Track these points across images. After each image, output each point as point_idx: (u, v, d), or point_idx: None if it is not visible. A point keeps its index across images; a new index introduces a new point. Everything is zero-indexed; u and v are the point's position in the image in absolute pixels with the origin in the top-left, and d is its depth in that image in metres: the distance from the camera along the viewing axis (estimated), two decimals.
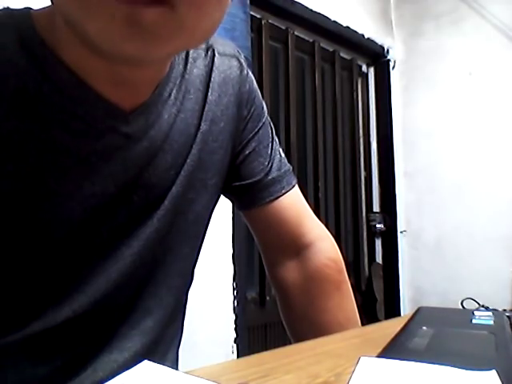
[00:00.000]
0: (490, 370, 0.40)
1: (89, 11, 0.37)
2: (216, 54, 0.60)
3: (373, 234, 2.81)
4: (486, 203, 2.49)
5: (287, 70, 2.33)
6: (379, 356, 0.46)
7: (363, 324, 0.70)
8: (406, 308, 2.74)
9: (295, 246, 0.71)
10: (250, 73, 0.66)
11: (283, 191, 0.68)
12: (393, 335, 0.54)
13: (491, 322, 0.59)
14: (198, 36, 0.44)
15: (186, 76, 0.56)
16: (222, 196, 0.67)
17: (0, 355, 0.50)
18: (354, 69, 2.78)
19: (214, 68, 0.60)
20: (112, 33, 0.37)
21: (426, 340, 0.51)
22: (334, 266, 0.70)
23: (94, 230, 0.51)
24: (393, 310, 2.70)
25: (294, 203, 0.69)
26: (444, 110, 2.66)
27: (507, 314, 0.63)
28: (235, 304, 1.88)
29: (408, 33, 2.83)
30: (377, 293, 2.70)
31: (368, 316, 2.60)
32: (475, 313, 0.64)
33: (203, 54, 0.59)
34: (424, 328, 0.56)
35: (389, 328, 0.57)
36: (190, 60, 0.57)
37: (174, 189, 0.55)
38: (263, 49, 2.19)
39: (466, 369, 0.40)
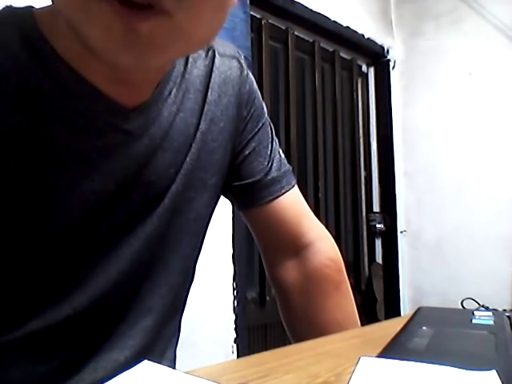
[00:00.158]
0: (490, 369, 0.40)
1: (88, 19, 0.37)
2: (216, 55, 0.61)
3: (373, 234, 2.81)
4: (486, 203, 2.49)
5: (287, 69, 2.33)
6: (379, 356, 0.46)
7: (363, 324, 0.70)
8: (406, 308, 2.74)
9: (294, 246, 0.71)
10: (250, 74, 0.66)
11: (283, 191, 0.68)
12: (393, 335, 0.54)
13: (491, 322, 0.59)
14: (196, 44, 0.44)
15: (186, 76, 0.57)
16: (221, 196, 0.67)
17: (1, 353, 0.50)
18: (354, 69, 2.78)
19: (214, 68, 0.60)
20: (110, 43, 0.38)
21: (425, 340, 0.51)
22: (333, 266, 0.70)
23: (93, 227, 0.51)
24: (393, 310, 2.70)
25: (293, 203, 0.70)
26: (444, 110, 2.66)
27: (507, 314, 0.63)
28: (235, 304, 1.88)
29: (408, 33, 2.83)
30: (377, 293, 2.70)
31: (368, 316, 2.60)
32: (475, 313, 0.64)
33: (203, 55, 0.60)
34: (424, 328, 0.56)
35: (389, 328, 0.57)
36: (191, 60, 0.58)
37: (173, 187, 0.56)
38: (263, 49, 2.19)
39: (466, 369, 0.40)
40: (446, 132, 2.65)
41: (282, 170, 0.69)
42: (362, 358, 0.44)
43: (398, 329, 0.56)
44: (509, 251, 2.42)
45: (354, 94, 2.77)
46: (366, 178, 2.83)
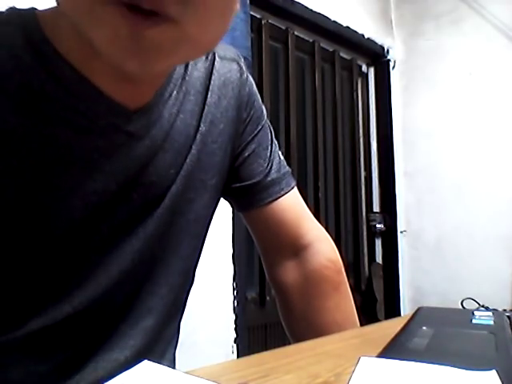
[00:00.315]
0: (490, 369, 0.40)
1: (94, 21, 0.38)
2: (216, 58, 0.61)
3: (373, 233, 2.81)
4: (486, 203, 2.49)
5: (287, 70, 2.33)
6: (379, 356, 0.46)
7: (363, 324, 0.70)
8: (406, 308, 2.74)
9: (294, 247, 0.71)
10: (250, 76, 0.67)
11: (282, 192, 0.68)
12: (393, 335, 0.54)
13: (491, 322, 0.59)
14: (201, 50, 0.45)
15: (187, 78, 0.57)
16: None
17: (1, 353, 0.50)
18: (354, 69, 2.78)
19: (214, 71, 0.61)
20: (115, 47, 0.38)
21: (425, 340, 0.51)
22: (332, 267, 0.70)
23: (94, 227, 0.51)
24: (393, 310, 2.70)
25: (292, 205, 0.70)
26: (444, 110, 2.66)
27: (507, 314, 0.63)
28: (235, 304, 1.88)
29: (408, 33, 2.83)
30: (377, 293, 2.70)
31: (368, 316, 2.60)
32: (475, 313, 0.64)
33: (204, 57, 0.60)
34: (424, 328, 0.56)
35: (389, 328, 0.57)
36: (191, 63, 0.58)
37: (173, 188, 0.56)
38: (263, 49, 2.19)
39: (466, 369, 0.40)
40: (445, 132, 2.65)
41: (282, 172, 0.69)
42: (361, 358, 0.44)
43: (398, 329, 0.56)
44: (509, 251, 2.42)
45: (354, 93, 2.77)
46: (366, 177, 2.83)
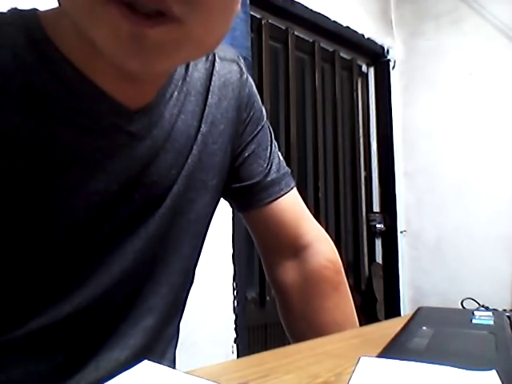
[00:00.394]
0: (490, 369, 0.40)
1: (94, 21, 0.38)
2: (217, 59, 0.62)
3: (373, 234, 2.81)
4: (486, 203, 2.49)
5: (287, 69, 2.33)
6: (379, 356, 0.46)
7: (363, 324, 0.70)
8: (406, 308, 2.74)
9: (293, 248, 0.71)
10: (250, 77, 0.67)
11: (282, 193, 0.68)
12: (393, 335, 0.54)
13: (491, 322, 0.59)
14: (203, 50, 0.45)
15: (188, 79, 0.58)
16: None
17: (1, 353, 0.50)
18: (354, 69, 2.78)
19: (215, 72, 0.61)
20: (117, 46, 0.38)
21: (425, 340, 0.51)
22: (332, 267, 0.71)
23: (96, 227, 0.51)
24: (393, 310, 2.70)
25: (292, 205, 0.70)
26: (444, 110, 2.66)
27: (507, 314, 0.63)
28: (235, 304, 1.88)
29: (408, 33, 2.83)
30: (377, 293, 2.70)
31: (368, 316, 2.60)
32: (475, 313, 0.64)
33: (204, 59, 0.61)
34: (424, 328, 0.56)
35: (389, 328, 0.57)
36: (192, 63, 0.58)
37: (175, 188, 0.56)
38: (263, 49, 2.19)
39: (466, 369, 0.40)
40: (445, 132, 2.65)
41: (281, 172, 0.69)
42: (361, 357, 0.44)
43: (398, 329, 0.56)
44: (509, 251, 2.42)
45: (354, 93, 2.77)
46: (366, 177, 2.83)
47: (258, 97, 0.69)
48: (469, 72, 2.58)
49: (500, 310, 0.71)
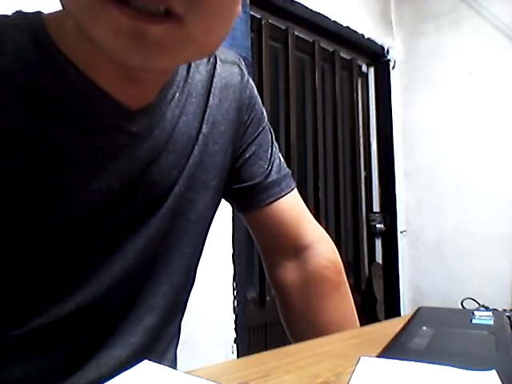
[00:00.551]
0: (490, 369, 0.40)
1: (95, 20, 0.38)
2: (218, 61, 0.62)
3: (373, 234, 2.81)
4: (486, 203, 2.49)
5: (287, 69, 2.33)
6: (379, 356, 0.46)
7: (363, 324, 0.70)
8: (406, 308, 2.74)
9: (294, 248, 0.71)
10: (251, 80, 0.68)
11: (282, 193, 0.69)
12: (393, 335, 0.54)
13: (491, 322, 0.59)
14: (205, 50, 0.46)
15: (189, 80, 0.58)
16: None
17: (2, 351, 0.50)
18: (354, 69, 2.78)
19: (216, 74, 0.62)
20: (117, 44, 0.39)
21: (426, 340, 0.51)
22: (332, 268, 0.71)
23: (97, 226, 0.52)
24: (393, 310, 2.70)
25: (292, 206, 0.70)
26: (444, 110, 2.66)
27: (507, 314, 0.63)
28: (235, 304, 1.88)
29: (408, 33, 2.83)
30: (377, 293, 2.70)
31: (368, 316, 2.60)
32: (475, 313, 0.64)
33: (205, 61, 0.61)
34: (424, 328, 0.56)
35: (389, 328, 0.57)
36: (193, 65, 0.59)
37: (176, 188, 0.57)
38: (263, 49, 2.19)
39: (466, 369, 0.40)
40: (445, 132, 2.65)
41: (282, 174, 0.70)
42: (361, 357, 0.44)
43: (398, 329, 0.56)
44: (509, 251, 2.42)
45: (354, 93, 2.77)
46: (366, 177, 2.83)
47: (259, 99, 0.70)
48: (469, 72, 2.58)
49: (500, 309, 0.71)
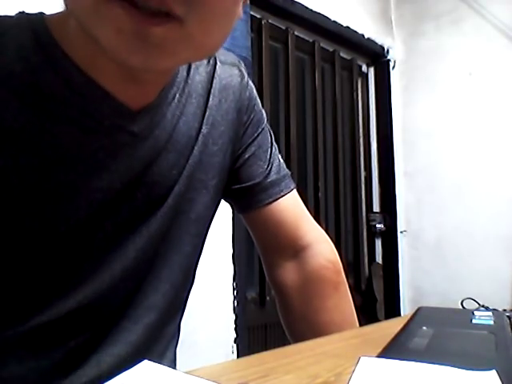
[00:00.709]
0: (490, 369, 0.40)
1: (98, 18, 0.39)
2: (218, 63, 0.63)
3: (373, 234, 2.81)
4: (486, 203, 2.49)
5: (287, 69, 2.33)
6: (379, 356, 0.46)
7: (363, 324, 0.70)
8: (406, 308, 2.74)
9: (293, 248, 0.71)
10: (251, 81, 0.69)
11: (281, 194, 0.69)
12: (393, 335, 0.54)
13: (491, 322, 0.59)
14: (205, 51, 0.46)
15: (189, 81, 0.59)
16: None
17: (3, 349, 0.51)
18: (354, 69, 2.78)
19: (216, 75, 0.62)
20: (119, 44, 0.39)
21: (426, 340, 0.51)
22: (331, 268, 0.71)
23: (98, 225, 0.52)
24: (393, 310, 2.70)
25: (292, 206, 0.71)
26: (444, 110, 2.66)
27: (507, 314, 0.63)
28: (235, 304, 1.88)
29: (408, 33, 2.83)
30: (377, 293, 2.70)
31: (368, 316, 2.60)
32: (475, 313, 0.64)
33: (205, 62, 0.62)
34: (424, 328, 0.56)
35: (389, 328, 0.57)
36: (193, 67, 0.60)
37: (176, 188, 0.57)
38: (263, 49, 2.19)
39: (466, 369, 0.40)
40: (445, 132, 2.65)
41: (281, 174, 0.70)
42: (361, 357, 0.44)
43: (398, 329, 0.56)
44: (509, 251, 2.42)
45: (354, 93, 2.77)
46: (366, 177, 2.83)
47: (259, 100, 0.70)
48: (469, 72, 2.58)
49: (500, 309, 0.71)
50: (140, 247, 0.55)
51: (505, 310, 0.69)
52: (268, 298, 2.11)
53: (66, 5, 0.43)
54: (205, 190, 0.61)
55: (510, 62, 2.48)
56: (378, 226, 2.78)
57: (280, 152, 0.73)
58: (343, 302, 0.72)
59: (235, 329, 1.88)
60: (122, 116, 0.51)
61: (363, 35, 2.64)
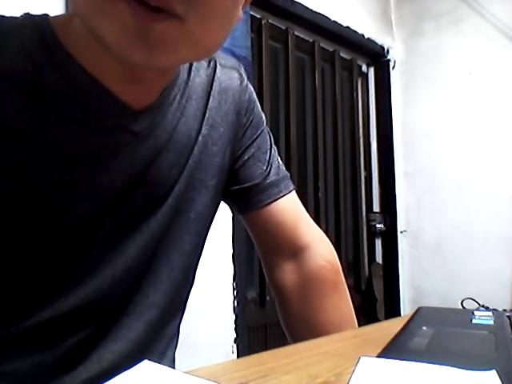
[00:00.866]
0: (490, 369, 0.40)
1: (103, 15, 0.40)
2: (218, 66, 0.64)
3: (373, 234, 2.81)
4: (486, 203, 2.49)
5: (287, 69, 2.33)
6: (379, 356, 0.46)
7: (363, 324, 0.70)
8: (406, 308, 2.74)
9: (292, 249, 0.72)
10: (250, 85, 0.70)
11: (281, 194, 0.70)
12: (393, 335, 0.54)
13: (491, 322, 0.59)
14: (205, 49, 0.47)
15: (190, 83, 0.60)
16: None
17: (5, 345, 0.51)
18: (354, 69, 2.78)
19: (216, 78, 0.63)
20: (123, 41, 0.41)
21: (425, 340, 0.51)
22: (330, 268, 0.71)
23: (99, 222, 0.53)
24: (393, 310, 2.70)
25: (290, 207, 0.71)
26: (444, 110, 2.66)
27: (507, 314, 0.63)
28: (235, 304, 1.88)
29: (408, 33, 2.83)
30: (377, 293, 2.70)
31: (368, 316, 2.60)
32: (475, 313, 0.64)
33: (205, 65, 0.63)
34: (424, 328, 0.56)
35: (389, 328, 0.57)
36: (194, 69, 0.61)
37: (176, 187, 0.58)
38: (263, 49, 2.19)
39: (466, 369, 0.40)
40: (445, 132, 2.65)
41: (281, 175, 0.71)
42: (362, 357, 0.44)
43: (398, 329, 0.56)
44: (509, 251, 2.42)
45: (354, 93, 2.77)
46: (366, 177, 2.83)
47: (258, 103, 0.71)
48: (469, 72, 2.58)
49: (500, 309, 0.71)
50: (140, 245, 0.56)
51: (505, 310, 0.70)
52: (268, 297, 2.11)
53: (72, 7, 0.44)
54: (205, 190, 0.62)
55: (510, 62, 2.48)
56: (378, 226, 2.78)
57: (280, 152, 0.74)
58: (342, 302, 0.72)
59: (235, 329, 1.88)
60: (124, 116, 0.52)
61: (363, 35, 2.65)
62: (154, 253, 0.58)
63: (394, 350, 0.48)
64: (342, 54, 2.69)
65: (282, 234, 0.70)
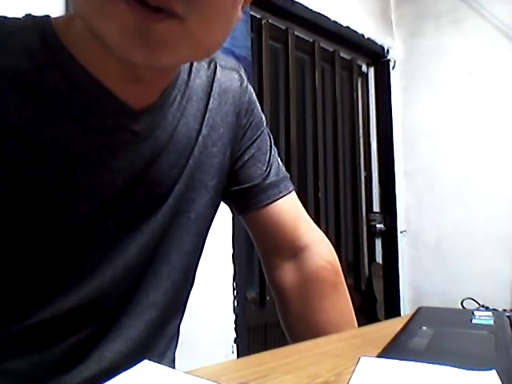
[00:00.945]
0: (490, 369, 0.40)
1: (103, 15, 0.40)
2: (218, 67, 0.65)
3: (373, 234, 2.81)
4: (486, 203, 2.49)
5: (287, 69, 2.33)
6: (379, 356, 0.46)
7: (363, 324, 0.70)
8: (406, 308, 2.74)
9: (291, 249, 0.72)
10: (250, 86, 0.70)
11: (280, 195, 0.70)
12: (393, 335, 0.54)
13: (491, 322, 0.59)
14: (205, 49, 0.47)
15: (190, 84, 0.60)
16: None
17: (6, 344, 0.51)
18: (354, 69, 2.78)
19: (216, 79, 0.64)
20: (124, 41, 0.41)
21: (425, 340, 0.51)
22: (329, 268, 0.72)
23: (100, 221, 0.53)
24: (393, 310, 2.70)
25: (290, 207, 0.71)
26: (444, 110, 2.66)
27: (507, 314, 0.63)
28: (235, 304, 1.88)
29: (408, 33, 2.83)
30: (377, 293, 2.70)
31: (368, 316, 2.60)
32: (475, 313, 0.64)
33: (206, 66, 0.64)
34: (424, 328, 0.56)
35: (389, 328, 0.57)
36: (194, 70, 0.61)
37: (177, 187, 0.58)
38: (263, 49, 2.19)
39: (466, 369, 0.40)
40: (445, 132, 2.65)
41: (280, 176, 0.71)
42: (361, 357, 0.44)
43: (398, 329, 0.56)
44: (509, 251, 2.42)
45: (354, 93, 2.77)
46: (366, 177, 2.83)
47: (258, 104, 0.72)
48: (469, 72, 2.58)
49: (500, 309, 0.71)
50: (141, 245, 0.56)
51: (505, 310, 0.70)
52: (268, 297, 2.11)
53: (73, 7, 0.44)
54: (204, 190, 0.62)
55: (510, 62, 2.48)
56: (378, 225, 2.78)
57: (280, 152, 0.74)
58: (342, 302, 0.72)
59: (235, 329, 1.88)
60: (124, 115, 0.52)
61: (363, 35, 2.65)
62: (154, 252, 0.58)
63: (393, 349, 0.48)
64: (342, 54, 2.69)
65: (281, 234, 0.71)
